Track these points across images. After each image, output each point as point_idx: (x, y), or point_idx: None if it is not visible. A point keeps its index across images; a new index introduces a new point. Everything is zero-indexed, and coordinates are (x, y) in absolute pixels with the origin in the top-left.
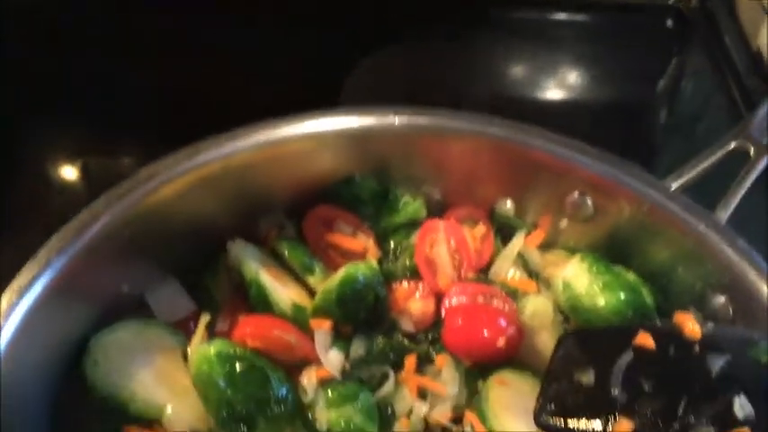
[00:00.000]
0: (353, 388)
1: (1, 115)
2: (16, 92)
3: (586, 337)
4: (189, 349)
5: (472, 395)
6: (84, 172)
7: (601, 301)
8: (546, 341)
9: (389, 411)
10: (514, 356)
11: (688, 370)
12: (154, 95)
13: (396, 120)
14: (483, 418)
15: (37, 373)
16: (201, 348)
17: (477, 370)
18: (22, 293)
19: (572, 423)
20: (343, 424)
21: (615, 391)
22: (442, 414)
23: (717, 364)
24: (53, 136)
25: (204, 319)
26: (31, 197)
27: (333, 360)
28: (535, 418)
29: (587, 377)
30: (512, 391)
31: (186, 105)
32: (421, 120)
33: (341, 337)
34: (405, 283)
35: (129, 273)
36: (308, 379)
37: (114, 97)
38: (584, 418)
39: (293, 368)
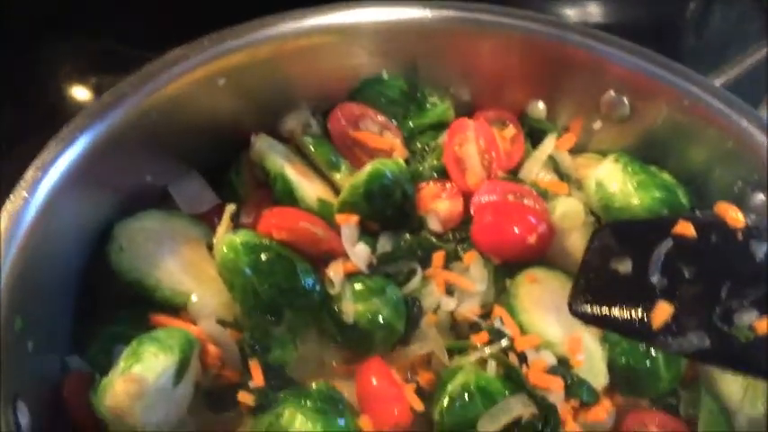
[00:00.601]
0: (381, 282)
1: (18, 32)
2: (32, 9)
3: (623, 228)
4: (214, 239)
5: (500, 293)
6: (99, 88)
7: (635, 201)
8: (576, 242)
9: (417, 307)
10: (544, 256)
11: (731, 256)
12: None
13: (426, 12)
14: (512, 313)
15: (62, 253)
16: (227, 237)
17: (506, 268)
18: (45, 169)
19: (609, 311)
20: (369, 317)
21: (654, 279)
22: (470, 310)
23: (761, 250)
24: (69, 52)
25: (230, 208)
26: (48, 112)
27: (360, 253)
28: (570, 307)
29: (624, 266)
30: (541, 287)
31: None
32: (451, 12)
33: (367, 234)
34: (432, 184)
35: (153, 162)
36: (335, 272)
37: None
38: (621, 306)
39: (319, 262)
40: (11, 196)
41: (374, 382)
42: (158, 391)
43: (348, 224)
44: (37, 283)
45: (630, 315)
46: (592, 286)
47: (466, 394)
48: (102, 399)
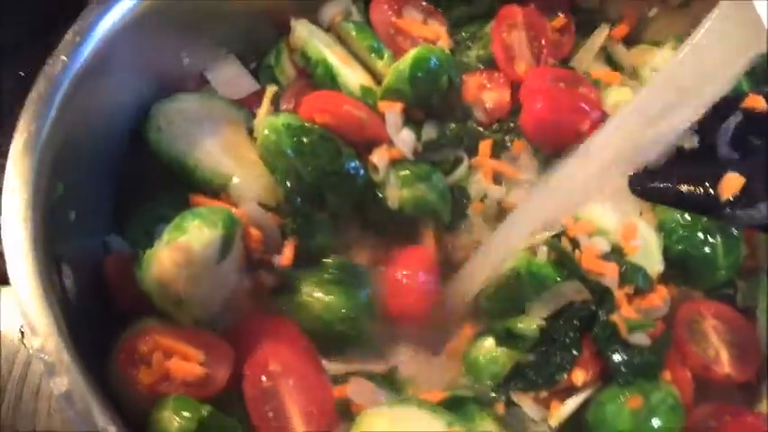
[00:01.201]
0: (426, 168)
1: None
2: None
3: None
4: (255, 122)
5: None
6: None
7: None
8: None
9: (463, 197)
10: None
11: None
12: None
13: None
14: None
15: (101, 127)
16: (269, 119)
17: (557, 157)
18: (84, 34)
19: (673, 185)
20: (415, 203)
21: (723, 151)
22: (518, 198)
23: None
24: None
25: (271, 89)
26: None
27: (405, 139)
28: (630, 183)
29: (690, 141)
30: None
31: None
32: None
33: (412, 123)
34: (478, 74)
35: (190, 44)
36: (379, 157)
37: None
38: (686, 180)
39: (362, 149)
40: (49, 60)
41: (412, 270)
42: (203, 265)
43: (393, 110)
44: (76, 152)
45: (697, 188)
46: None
47: (515, 278)
48: (147, 270)
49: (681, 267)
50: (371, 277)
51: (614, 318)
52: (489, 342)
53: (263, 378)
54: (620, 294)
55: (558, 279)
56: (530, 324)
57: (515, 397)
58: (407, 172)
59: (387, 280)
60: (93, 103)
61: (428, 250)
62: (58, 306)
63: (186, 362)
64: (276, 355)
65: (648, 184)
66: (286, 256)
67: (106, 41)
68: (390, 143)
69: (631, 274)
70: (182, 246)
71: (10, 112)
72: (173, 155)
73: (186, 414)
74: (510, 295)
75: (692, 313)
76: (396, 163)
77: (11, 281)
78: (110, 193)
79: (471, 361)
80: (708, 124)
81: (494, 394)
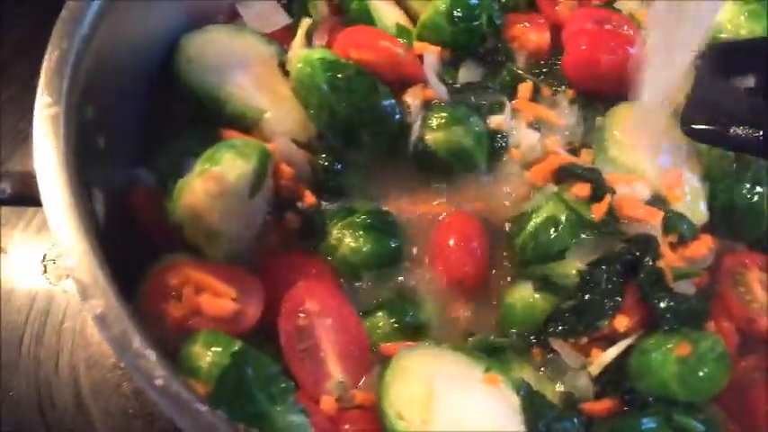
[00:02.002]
0: (464, 111)
1: None
2: None
3: (743, 45)
4: (289, 55)
5: (590, 132)
6: None
7: (744, 31)
8: None
9: (503, 140)
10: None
11: None
12: None
13: None
14: (602, 148)
15: (129, 55)
16: (303, 52)
17: (598, 104)
18: None
19: (727, 125)
20: (449, 146)
21: None
22: (555, 141)
23: None
24: None
25: (305, 22)
26: None
27: (440, 83)
28: (682, 123)
29: (745, 82)
30: (636, 120)
31: None
32: None
33: (450, 66)
34: (519, 15)
35: None
36: (414, 97)
37: None
38: (741, 120)
39: (397, 90)
40: None
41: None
42: (236, 198)
43: (431, 51)
44: (106, 76)
45: (752, 129)
46: (707, 101)
47: (552, 226)
48: (178, 201)
49: (725, 218)
50: (401, 226)
51: (660, 264)
52: (526, 288)
53: (300, 315)
54: (664, 242)
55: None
56: (569, 269)
57: (554, 343)
58: (444, 114)
59: (435, 245)
60: (122, 28)
61: (474, 216)
62: (91, 228)
63: (217, 297)
64: (313, 293)
65: (701, 125)
66: (308, 197)
67: None
68: (426, 84)
69: (676, 222)
70: (215, 175)
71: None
72: (204, 87)
73: (218, 349)
74: (546, 242)
75: (736, 265)
76: (432, 104)
77: (42, 197)
78: (138, 125)
79: (507, 307)
80: (765, 64)
81: (532, 339)
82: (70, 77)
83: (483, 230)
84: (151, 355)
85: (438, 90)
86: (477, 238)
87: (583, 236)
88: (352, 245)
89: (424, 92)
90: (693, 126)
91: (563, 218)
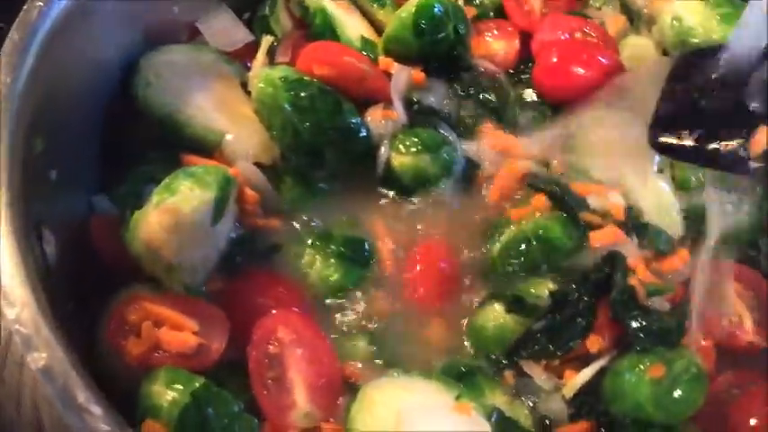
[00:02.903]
0: (435, 137)
1: None
2: None
3: (709, 54)
4: (250, 74)
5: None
6: None
7: (716, 35)
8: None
9: (471, 171)
10: (612, 95)
11: None
12: None
13: None
14: (573, 159)
15: (84, 80)
16: (265, 71)
17: (569, 114)
18: None
19: (696, 140)
20: (418, 172)
21: (756, 103)
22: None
23: None
24: None
25: (267, 40)
26: None
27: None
28: (650, 137)
29: (710, 97)
30: (608, 130)
31: None
32: None
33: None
34: (486, 23)
35: None
36: (375, 117)
37: None
38: (711, 134)
39: (361, 107)
40: (25, 6)
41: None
42: (195, 228)
43: (400, 71)
44: (57, 106)
45: (723, 143)
46: (676, 115)
47: (525, 242)
48: (135, 233)
49: (702, 228)
50: (375, 253)
51: (632, 281)
52: (497, 308)
53: (271, 344)
54: (638, 258)
55: (569, 243)
56: (540, 289)
57: (525, 366)
58: (415, 139)
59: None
60: (74, 53)
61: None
62: (37, 274)
63: (179, 331)
64: (287, 322)
65: (668, 140)
66: (274, 221)
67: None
68: (388, 104)
69: (652, 237)
70: (171, 208)
71: None
72: (162, 111)
73: (178, 386)
74: (519, 259)
75: (714, 277)
76: (404, 127)
77: None
78: (95, 151)
79: (477, 329)
80: (734, 75)
81: (504, 362)
82: (15, 113)
83: (452, 253)
84: (96, 409)
85: (400, 112)
86: (447, 261)
87: (554, 254)
88: (324, 272)
89: (384, 112)
90: (660, 140)
91: (533, 236)
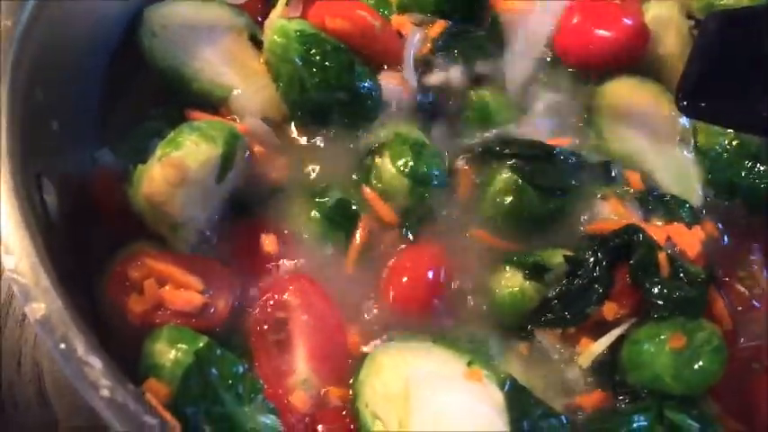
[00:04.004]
0: (428, 148)
1: None
2: None
3: (742, 14)
4: (266, 24)
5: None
6: None
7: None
8: (671, 49)
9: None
10: (635, 63)
11: None
12: None
13: None
14: (598, 131)
15: (87, 31)
16: (282, 22)
17: (591, 78)
18: None
19: (726, 102)
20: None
21: None
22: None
23: None
24: None
25: None
26: None
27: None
28: (678, 100)
29: (739, 59)
30: (630, 99)
31: None
32: None
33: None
34: None
35: None
36: (387, 81)
37: None
38: (742, 96)
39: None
40: None
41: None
42: (200, 184)
43: (414, 30)
44: (59, 54)
45: (752, 105)
46: (705, 75)
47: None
48: (138, 187)
49: (725, 198)
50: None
51: (659, 256)
52: (512, 275)
53: (278, 307)
54: (661, 230)
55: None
56: (557, 256)
57: (539, 335)
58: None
59: (392, 275)
60: (76, 3)
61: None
62: (36, 224)
63: (183, 290)
64: (299, 287)
65: (698, 102)
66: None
67: None
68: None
69: (673, 208)
70: (175, 162)
71: None
72: (168, 63)
73: (182, 346)
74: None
75: (736, 249)
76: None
77: None
78: (98, 103)
79: (493, 296)
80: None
81: (519, 330)
82: (14, 59)
83: (442, 257)
84: (96, 362)
85: (411, 78)
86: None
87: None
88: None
89: (395, 79)
90: (688, 102)
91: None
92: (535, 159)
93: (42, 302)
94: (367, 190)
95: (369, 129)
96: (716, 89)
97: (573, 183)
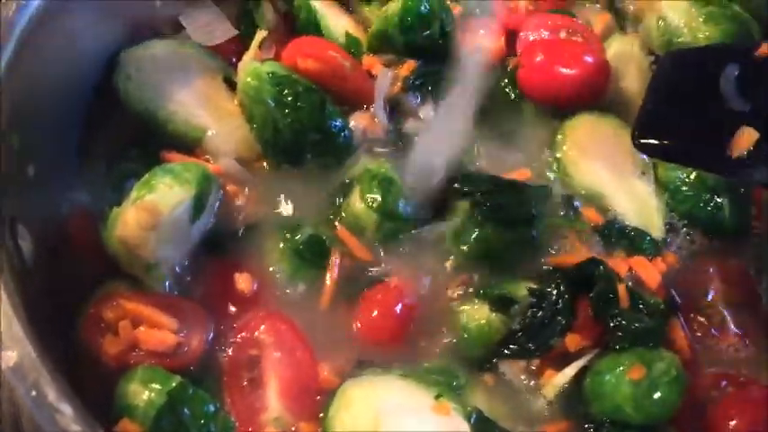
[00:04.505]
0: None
1: None
2: None
3: (693, 55)
4: (239, 66)
5: (549, 144)
6: None
7: (702, 35)
8: (632, 84)
9: None
10: (597, 100)
11: None
12: None
13: None
14: (561, 166)
15: (64, 76)
16: (254, 65)
17: (554, 115)
18: None
19: (679, 141)
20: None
21: (734, 101)
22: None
23: None
24: None
25: (260, 34)
26: None
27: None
28: (634, 139)
29: (697, 93)
30: (592, 134)
31: None
32: None
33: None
34: (472, 20)
35: None
36: (357, 122)
37: None
38: (694, 135)
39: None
40: (2, 1)
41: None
42: (174, 226)
43: (384, 72)
44: (36, 101)
45: (705, 144)
46: (659, 116)
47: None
48: (112, 230)
49: (687, 228)
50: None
51: (619, 288)
52: (479, 307)
53: (251, 345)
54: (623, 262)
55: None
56: (519, 289)
57: (504, 366)
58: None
59: (362, 310)
60: (53, 48)
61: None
62: (10, 270)
63: (157, 330)
64: (271, 324)
65: (652, 141)
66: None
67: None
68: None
69: (635, 240)
70: (148, 206)
71: None
72: (143, 106)
73: (155, 386)
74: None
75: (697, 276)
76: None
77: None
78: (75, 147)
79: (461, 329)
80: (715, 74)
81: (485, 362)
82: None
83: (411, 291)
84: (67, 409)
85: (381, 117)
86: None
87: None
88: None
89: (366, 119)
90: (643, 140)
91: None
92: (494, 193)
93: (14, 350)
94: (338, 226)
95: (341, 166)
96: (669, 127)
97: (533, 215)
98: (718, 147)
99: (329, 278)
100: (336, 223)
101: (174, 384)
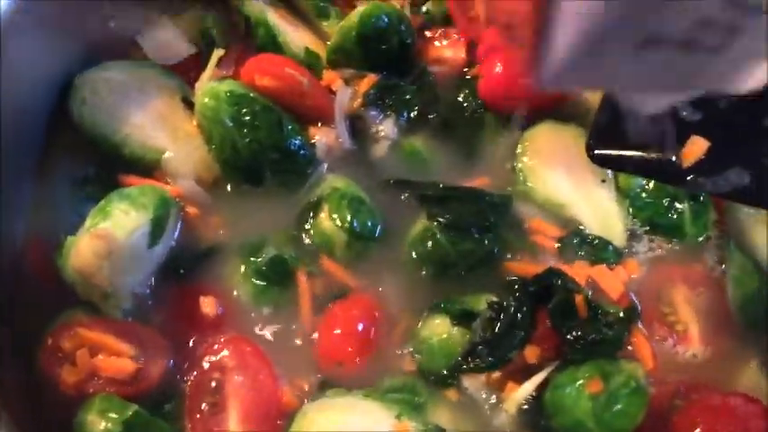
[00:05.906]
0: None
1: None
2: None
3: None
4: (196, 85)
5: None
6: None
7: None
8: (592, 93)
9: None
10: (558, 106)
11: None
12: None
13: None
14: (522, 176)
15: (18, 102)
16: (212, 85)
17: (516, 125)
18: None
19: (632, 151)
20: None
21: (685, 110)
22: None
23: None
24: None
25: (216, 53)
26: None
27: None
28: (588, 150)
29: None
30: (553, 143)
31: None
32: None
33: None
34: (432, 31)
35: (118, 6)
36: (319, 138)
37: None
38: (647, 145)
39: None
40: None
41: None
42: (131, 252)
43: (343, 89)
44: None
45: (657, 154)
46: (613, 126)
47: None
48: (67, 259)
49: (648, 235)
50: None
51: (576, 299)
52: (441, 322)
53: (213, 369)
54: (582, 271)
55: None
56: (480, 302)
57: (466, 380)
58: (345, 202)
59: (324, 329)
60: (7, 71)
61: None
62: None
63: (115, 357)
64: (234, 348)
65: (606, 151)
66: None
67: (21, 9)
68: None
69: (596, 248)
70: (102, 233)
71: None
72: (98, 130)
73: (112, 415)
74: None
75: (660, 283)
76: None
77: None
78: (32, 172)
79: (422, 344)
80: None
81: (447, 378)
82: None
83: (372, 308)
84: None
85: (342, 134)
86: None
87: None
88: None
89: (331, 135)
90: (597, 152)
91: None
92: (450, 200)
93: None
94: (306, 243)
95: (305, 184)
96: (622, 138)
97: (491, 223)
98: (670, 157)
99: (302, 299)
100: (304, 241)
101: (129, 413)
